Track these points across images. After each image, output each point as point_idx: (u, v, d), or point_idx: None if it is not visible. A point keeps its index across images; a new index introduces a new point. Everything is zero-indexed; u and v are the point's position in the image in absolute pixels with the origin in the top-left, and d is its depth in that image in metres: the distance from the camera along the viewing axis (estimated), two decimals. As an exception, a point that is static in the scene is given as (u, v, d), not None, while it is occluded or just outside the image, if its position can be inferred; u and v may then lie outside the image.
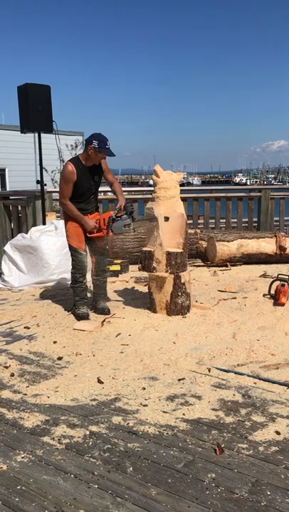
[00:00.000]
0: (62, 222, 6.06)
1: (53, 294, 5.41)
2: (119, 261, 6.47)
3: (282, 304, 4.81)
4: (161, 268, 4.42)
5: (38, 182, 6.11)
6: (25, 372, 3.34)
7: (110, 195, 7.81)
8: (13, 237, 6.78)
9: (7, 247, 5.87)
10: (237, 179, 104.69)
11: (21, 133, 5.92)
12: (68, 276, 5.64)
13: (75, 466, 2.27)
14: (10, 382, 3.19)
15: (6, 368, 3.40)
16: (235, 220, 8.23)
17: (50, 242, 5.67)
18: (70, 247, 4.52)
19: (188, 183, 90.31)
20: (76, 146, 18.87)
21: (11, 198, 7.05)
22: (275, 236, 7.15)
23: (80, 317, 4.45)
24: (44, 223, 6.15)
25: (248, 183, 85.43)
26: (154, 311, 4.54)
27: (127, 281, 5.88)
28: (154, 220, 4.34)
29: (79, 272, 4.53)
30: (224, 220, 8.13)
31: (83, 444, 2.46)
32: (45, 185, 6.21)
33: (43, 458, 2.34)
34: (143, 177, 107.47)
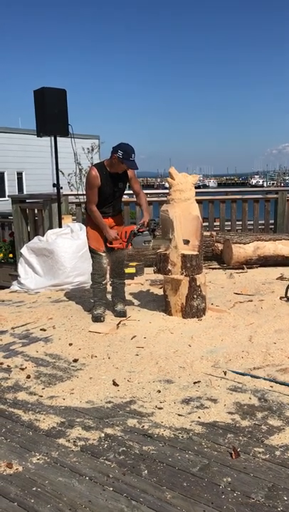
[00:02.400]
0: (78, 225, 6.11)
1: (69, 296, 5.43)
2: (134, 263, 6.47)
3: (299, 307, 4.76)
4: (176, 271, 4.40)
5: (54, 185, 6.14)
6: (41, 374, 3.36)
7: (126, 198, 7.83)
8: (29, 240, 6.84)
9: (23, 250, 5.92)
10: (253, 181, 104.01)
11: (37, 136, 5.97)
12: (83, 279, 5.69)
13: (90, 468, 2.27)
14: (26, 384, 3.20)
15: (22, 369, 3.42)
16: (252, 222, 8.18)
17: (66, 245, 5.70)
18: (90, 249, 4.57)
19: (205, 186, 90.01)
20: (92, 150, 18.94)
21: (27, 201, 7.10)
22: (292, 238, 7.09)
23: (95, 318, 4.48)
24: (60, 226, 6.18)
25: (265, 185, 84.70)
26: (170, 313, 4.53)
27: (142, 284, 5.88)
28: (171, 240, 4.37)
29: (97, 273, 4.56)
30: (240, 222, 8.08)
31: (98, 446, 2.46)
32: (62, 188, 6.24)
33: (58, 460, 2.34)
34: (158, 180, 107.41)
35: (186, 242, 4.45)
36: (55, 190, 6.29)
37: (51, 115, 5.73)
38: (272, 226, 8.15)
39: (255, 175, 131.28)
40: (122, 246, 4.39)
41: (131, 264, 6.46)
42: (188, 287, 4.41)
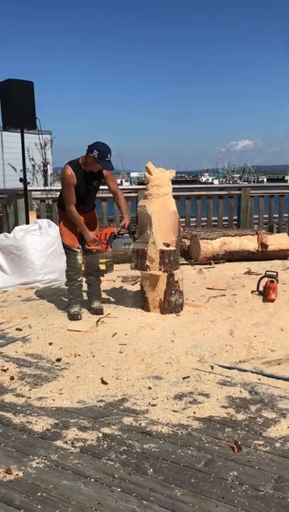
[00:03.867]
0: (46, 221, 5.97)
1: (41, 294, 5.29)
2: (104, 260, 6.37)
3: (272, 300, 4.85)
4: (154, 266, 4.38)
5: (20, 180, 5.97)
6: (25, 375, 3.24)
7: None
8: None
9: (-11, 248, 5.71)
10: (203, 179, 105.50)
11: (3, 130, 5.78)
12: (54, 276, 5.57)
13: (93, 469, 2.21)
14: (11, 385, 3.09)
15: (4, 371, 3.29)
16: (215, 219, 8.27)
17: (35, 241, 5.55)
18: (64, 246, 4.47)
19: None
20: (45, 145, 18.64)
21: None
22: (257, 234, 7.22)
23: (72, 316, 4.39)
24: (28, 222, 6.01)
25: (215, 182, 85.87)
26: (148, 309, 4.50)
27: (114, 281, 5.81)
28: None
29: (73, 270, 4.48)
30: (205, 219, 8.15)
31: (98, 446, 2.40)
32: (29, 183, 6.07)
33: (59, 462, 2.27)
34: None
35: (167, 245, 4.43)
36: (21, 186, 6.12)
37: (18, 108, 5.54)
38: (236, 222, 8.27)
39: (205, 172, 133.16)
40: (101, 248, 4.33)
41: (101, 260, 6.36)
42: (167, 283, 4.40)
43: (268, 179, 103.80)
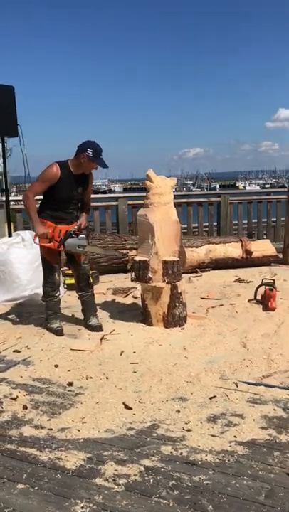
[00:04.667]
0: (28, 233, 5.66)
1: (29, 311, 4.97)
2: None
3: (274, 309, 4.75)
4: (157, 278, 4.18)
5: (2, 191, 5.64)
6: (39, 402, 2.96)
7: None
8: None
9: None
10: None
11: (-18, 137, 5.43)
12: (41, 291, 5.25)
13: (147, 510, 1.98)
14: (26, 416, 2.80)
15: (14, 399, 3.00)
16: (196, 225, 8.17)
17: (21, 255, 5.23)
18: (43, 259, 4.26)
19: (111, 190, 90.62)
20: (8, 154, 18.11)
21: None
22: (241, 241, 7.15)
23: (56, 331, 4.18)
24: (10, 235, 5.67)
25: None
26: (150, 323, 4.29)
27: (104, 293, 5.57)
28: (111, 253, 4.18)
29: (50, 286, 4.28)
30: (186, 225, 8.03)
31: (144, 482, 2.17)
32: (11, 193, 5.75)
33: (106, 505, 2.02)
34: None
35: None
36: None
37: (-1, 114, 5.23)
38: (216, 228, 8.19)
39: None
40: (53, 246, 4.08)
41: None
42: (170, 295, 4.22)
43: (220, 186, 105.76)
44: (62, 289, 5.59)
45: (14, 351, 3.84)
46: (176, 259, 4.22)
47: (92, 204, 7.65)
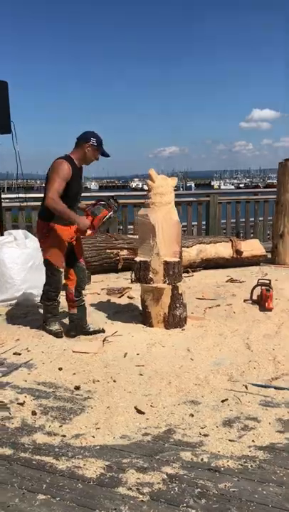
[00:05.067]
0: (21, 232, 5.55)
1: (25, 312, 4.86)
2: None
3: (271, 309, 4.75)
4: (158, 279, 4.13)
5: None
6: (47, 408, 2.88)
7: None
8: None
9: None
10: (134, 184, 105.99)
11: (-27, 134, 5.28)
12: (36, 292, 5.15)
13: (177, 521, 1.93)
14: (37, 422, 2.72)
15: (21, 404, 2.91)
16: (185, 224, 8.14)
17: (14, 255, 5.11)
18: (47, 263, 4.04)
19: (86, 188, 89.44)
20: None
21: None
22: (231, 240, 7.16)
23: (56, 334, 4.08)
24: (1, 234, 5.53)
25: (146, 187, 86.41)
26: (150, 325, 4.24)
27: (98, 294, 5.49)
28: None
29: (54, 291, 4.11)
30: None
31: (169, 491, 2.12)
32: (3, 190, 5.60)
33: (134, 516, 1.96)
34: (38, 182, 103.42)
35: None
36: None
37: (-10, 110, 5.09)
38: (204, 228, 8.19)
39: (135, 178, 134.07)
40: (93, 234, 4.18)
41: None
42: (171, 296, 4.17)
43: (195, 185, 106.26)
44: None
45: (14, 354, 3.73)
46: (177, 259, 4.17)
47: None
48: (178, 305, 4.20)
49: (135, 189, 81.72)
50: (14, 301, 5.06)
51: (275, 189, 7.69)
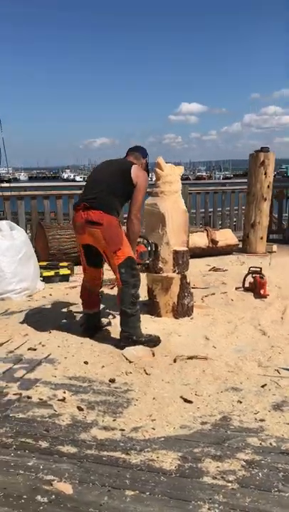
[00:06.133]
0: (5, 223, 5.34)
1: (20, 306, 4.66)
2: (65, 264, 5.89)
3: (266, 296, 4.86)
4: (168, 268, 4.11)
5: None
6: (92, 402, 2.78)
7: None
8: None
9: None
10: (65, 175, 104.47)
11: None
12: (26, 285, 5.00)
13: (279, 506, 1.93)
14: (87, 417, 2.62)
15: (62, 400, 2.79)
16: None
17: (3, 246, 4.87)
18: (131, 261, 3.53)
19: (15, 179, 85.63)
20: None
21: None
22: (206, 230, 7.25)
23: (155, 341, 3.59)
24: (-14, 226, 5.24)
25: (77, 179, 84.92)
26: (159, 314, 4.21)
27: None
28: None
29: (137, 290, 3.60)
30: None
31: (254, 477, 2.12)
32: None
33: (233, 504, 1.94)
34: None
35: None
36: None
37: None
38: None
39: (66, 169, 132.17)
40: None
41: (62, 264, 5.87)
42: (180, 285, 4.16)
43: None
44: (40, 283, 5.35)
45: (29, 349, 3.58)
46: (185, 248, 4.17)
47: (54, 192, 7.40)
48: (186, 294, 4.20)
49: (67, 180, 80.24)
50: (5, 295, 4.84)
51: (243, 180, 7.84)
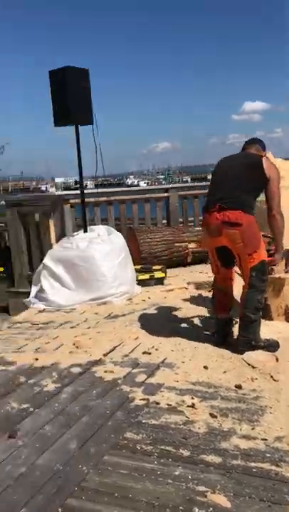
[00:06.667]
0: (103, 227, 5.36)
1: (123, 309, 4.66)
2: (158, 267, 5.84)
3: None
4: (279, 269, 3.92)
5: (76, 183, 5.26)
6: (223, 409, 2.66)
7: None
8: (29, 251, 5.91)
9: (48, 260, 4.97)
10: (129, 181, 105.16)
11: (55, 126, 5.02)
12: (126, 288, 4.98)
13: None
14: (223, 425, 2.50)
15: (192, 407, 2.70)
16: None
17: (104, 251, 4.89)
18: (264, 266, 3.39)
19: (86, 187, 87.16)
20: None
21: (25, 204, 6.04)
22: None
23: (275, 345, 3.44)
24: (85, 230, 5.27)
25: (142, 184, 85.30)
26: (270, 318, 4.01)
27: (186, 288, 5.28)
28: None
29: (263, 295, 3.50)
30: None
31: None
32: (86, 186, 5.38)
33: None
34: (34, 182, 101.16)
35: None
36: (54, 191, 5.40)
37: (73, 101, 4.82)
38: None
39: (130, 175, 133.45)
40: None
41: (155, 267, 5.82)
42: (292, 287, 3.95)
43: (191, 179, 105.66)
44: (137, 287, 5.32)
45: (144, 353, 3.53)
46: (297, 248, 3.96)
47: (143, 196, 7.40)
48: (300, 296, 3.99)
49: (131, 186, 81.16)
50: (107, 299, 4.85)
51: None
